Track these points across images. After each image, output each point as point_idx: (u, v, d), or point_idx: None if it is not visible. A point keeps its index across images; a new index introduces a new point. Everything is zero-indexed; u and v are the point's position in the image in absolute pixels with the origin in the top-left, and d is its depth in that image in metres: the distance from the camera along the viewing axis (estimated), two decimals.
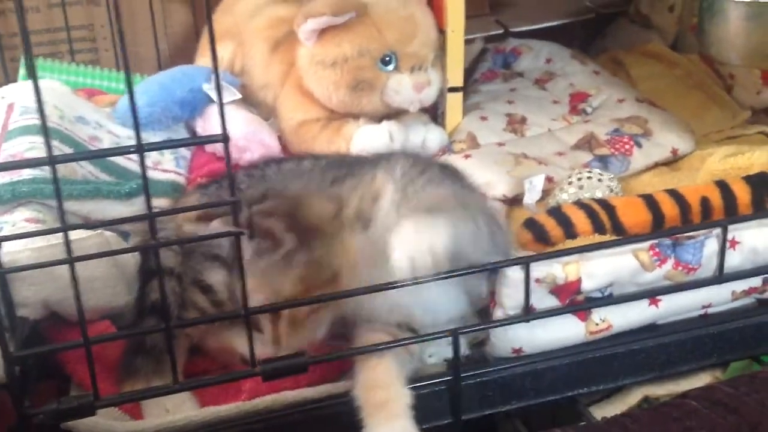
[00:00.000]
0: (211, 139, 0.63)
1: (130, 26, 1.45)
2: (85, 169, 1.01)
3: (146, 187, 0.63)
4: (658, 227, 0.88)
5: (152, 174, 1.14)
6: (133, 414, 0.74)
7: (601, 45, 1.48)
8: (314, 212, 0.75)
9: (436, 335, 0.77)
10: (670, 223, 0.88)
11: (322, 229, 0.74)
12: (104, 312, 0.75)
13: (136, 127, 0.60)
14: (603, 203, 0.89)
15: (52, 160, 0.59)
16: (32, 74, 0.58)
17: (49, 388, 0.77)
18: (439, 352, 0.80)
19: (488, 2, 1.40)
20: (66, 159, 0.77)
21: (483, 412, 0.79)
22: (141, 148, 0.61)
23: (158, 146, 0.73)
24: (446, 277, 0.71)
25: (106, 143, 1.09)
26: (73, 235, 0.64)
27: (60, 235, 0.60)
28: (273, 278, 0.72)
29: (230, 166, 0.63)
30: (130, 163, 1.08)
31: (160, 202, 1.11)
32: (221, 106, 0.63)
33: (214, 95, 1.12)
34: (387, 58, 1.10)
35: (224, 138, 0.63)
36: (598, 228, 0.86)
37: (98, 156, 0.98)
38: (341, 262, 0.74)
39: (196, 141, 0.65)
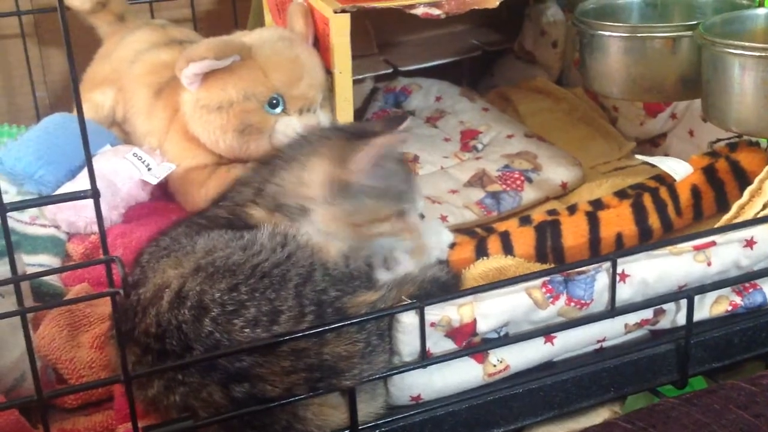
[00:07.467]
0: (80, 196, 0.60)
1: (5, 75, 1.39)
2: None
3: (10, 249, 0.59)
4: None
5: (29, 229, 1.08)
6: None
7: (489, 82, 1.50)
8: None
9: (334, 388, 0.74)
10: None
11: None
12: None
13: None
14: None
15: None
16: None
17: None
18: None
19: (376, 42, 1.40)
20: None
21: None
22: (3, 209, 0.57)
23: (22, 205, 0.68)
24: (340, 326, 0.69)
25: None
26: None
27: None
28: None
29: (101, 223, 0.60)
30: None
31: (39, 259, 1.05)
32: (89, 160, 0.60)
33: (136, 168, 1.11)
34: (274, 101, 1.08)
35: (94, 194, 0.60)
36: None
37: None
38: None
39: (64, 198, 0.61)
